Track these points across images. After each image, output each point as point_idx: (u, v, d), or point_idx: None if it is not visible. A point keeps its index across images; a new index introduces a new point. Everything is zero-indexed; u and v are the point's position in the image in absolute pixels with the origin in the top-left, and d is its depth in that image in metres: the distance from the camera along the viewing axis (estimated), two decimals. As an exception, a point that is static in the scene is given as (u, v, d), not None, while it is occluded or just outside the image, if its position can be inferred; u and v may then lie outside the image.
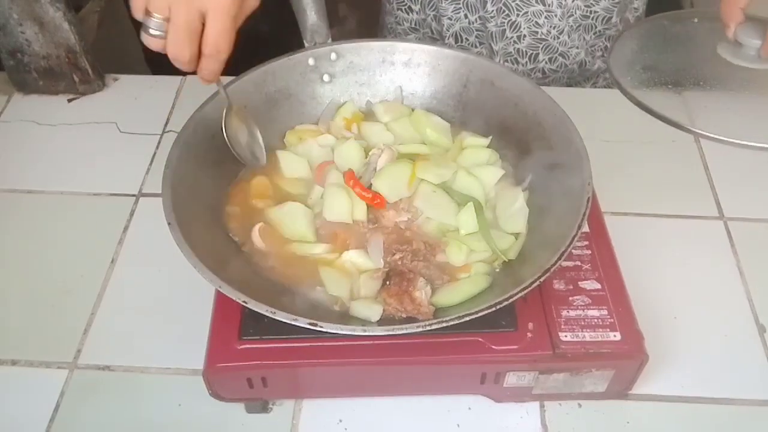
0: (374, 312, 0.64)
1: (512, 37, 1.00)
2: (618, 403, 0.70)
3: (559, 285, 0.68)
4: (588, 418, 0.69)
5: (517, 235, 0.71)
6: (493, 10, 0.98)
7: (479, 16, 1.00)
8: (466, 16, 1.02)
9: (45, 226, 0.86)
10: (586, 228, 0.72)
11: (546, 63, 1.03)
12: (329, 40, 0.80)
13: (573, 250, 0.64)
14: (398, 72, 0.82)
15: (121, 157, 0.94)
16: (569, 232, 0.62)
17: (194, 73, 0.61)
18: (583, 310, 0.66)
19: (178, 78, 1.05)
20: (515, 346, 0.64)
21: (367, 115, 0.82)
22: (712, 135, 0.61)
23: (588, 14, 0.99)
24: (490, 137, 0.78)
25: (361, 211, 0.71)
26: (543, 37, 1.00)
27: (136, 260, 0.82)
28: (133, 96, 1.03)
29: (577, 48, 1.01)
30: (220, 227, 0.70)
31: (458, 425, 0.69)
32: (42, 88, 1.03)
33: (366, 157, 0.75)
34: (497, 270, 0.69)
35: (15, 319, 0.77)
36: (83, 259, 0.82)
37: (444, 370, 0.67)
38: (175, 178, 0.67)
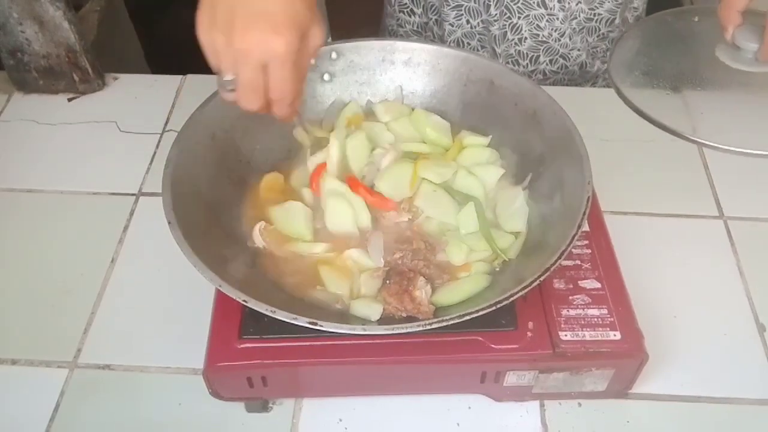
0: (374, 311, 0.64)
1: (513, 40, 1.00)
2: (618, 402, 0.70)
3: (559, 284, 0.68)
4: (588, 418, 0.69)
5: (517, 234, 0.71)
6: (496, 14, 0.98)
7: (482, 20, 1.01)
8: (468, 22, 1.02)
9: (45, 225, 0.86)
10: (586, 227, 0.72)
11: (547, 65, 1.03)
12: (329, 39, 0.80)
13: (573, 250, 0.64)
14: (398, 71, 0.82)
15: (121, 156, 0.94)
16: (569, 232, 0.62)
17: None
18: (583, 309, 0.66)
19: (178, 77, 1.05)
20: (515, 345, 0.64)
21: (368, 114, 0.82)
22: (711, 143, 0.61)
23: (592, 17, 0.99)
24: (490, 136, 0.78)
25: (365, 218, 0.71)
26: (544, 39, 1.00)
27: (136, 259, 0.82)
28: (133, 95, 1.03)
29: (579, 50, 1.01)
30: (220, 227, 0.70)
31: (458, 424, 0.69)
32: (42, 88, 1.03)
33: (371, 154, 0.76)
34: (497, 269, 0.69)
35: (15, 319, 0.77)
36: (83, 258, 0.82)
37: (444, 369, 0.67)
38: (175, 177, 0.67)
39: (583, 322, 0.65)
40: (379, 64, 0.82)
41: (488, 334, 0.64)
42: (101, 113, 1.00)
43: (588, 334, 0.64)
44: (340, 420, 0.69)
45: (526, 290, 0.59)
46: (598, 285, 0.68)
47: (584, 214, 0.64)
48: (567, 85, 1.08)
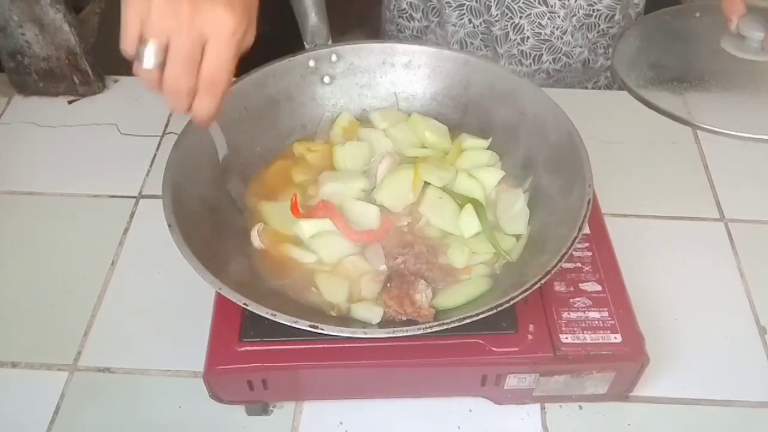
0: (375, 314, 0.64)
1: (516, 39, 1.00)
2: (619, 405, 0.70)
3: (559, 287, 0.68)
4: (589, 420, 0.69)
5: (518, 237, 0.71)
6: (497, 14, 0.98)
7: (483, 20, 1.01)
8: (470, 21, 1.02)
9: (45, 227, 0.86)
10: (586, 230, 0.72)
11: (550, 63, 1.03)
12: (330, 42, 0.80)
13: (574, 252, 0.64)
14: (399, 74, 0.82)
15: (122, 158, 0.94)
16: (570, 234, 0.62)
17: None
18: (584, 311, 0.66)
19: (179, 79, 1.05)
20: (516, 348, 0.64)
21: (364, 122, 0.82)
22: (720, 130, 0.61)
23: (591, 13, 0.99)
24: (490, 139, 0.78)
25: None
26: (546, 37, 1.00)
27: (137, 262, 0.82)
28: (133, 98, 1.03)
29: (581, 47, 1.01)
30: (220, 229, 0.70)
31: (459, 427, 0.69)
32: (42, 90, 1.03)
33: (371, 159, 0.76)
34: (498, 272, 0.69)
35: (15, 321, 0.77)
36: (83, 260, 0.82)
37: (445, 372, 0.67)
38: (175, 180, 0.67)
39: (583, 325, 0.65)
40: (380, 66, 0.82)
41: (489, 337, 0.64)
42: (101, 116, 1.00)
43: (589, 337, 0.64)
44: (341, 423, 0.69)
45: (526, 293, 0.59)
46: (598, 287, 0.68)
47: (585, 216, 0.64)
48: (571, 83, 1.08)
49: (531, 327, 0.65)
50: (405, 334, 0.58)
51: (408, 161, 0.76)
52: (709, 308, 0.77)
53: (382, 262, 0.68)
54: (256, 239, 0.70)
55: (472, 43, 1.04)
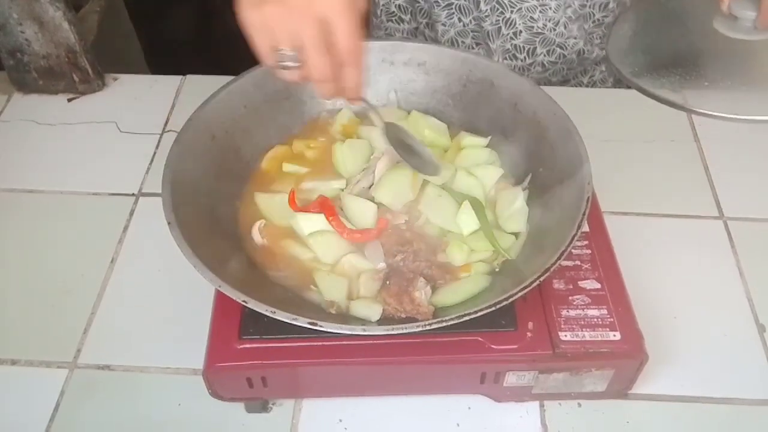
0: (374, 312, 0.64)
1: (508, 34, 1.00)
2: (618, 402, 0.70)
3: (558, 284, 0.68)
4: (588, 418, 0.69)
5: (517, 235, 0.71)
6: (486, 9, 0.98)
7: (473, 17, 1.00)
8: (460, 20, 1.01)
9: (45, 225, 0.86)
10: (585, 227, 0.72)
11: (544, 56, 1.02)
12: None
13: (573, 250, 0.64)
14: (398, 72, 0.82)
15: (121, 156, 0.94)
16: (569, 232, 0.62)
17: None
18: (583, 309, 0.66)
19: (178, 78, 1.05)
20: (515, 346, 0.64)
21: (364, 120, 0.82)
22: (714, 114, 0.61)
23: (585, 3, 0.98)
24: (489, 137, 0.78)
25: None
26: (539, 30, 0.99)
27: (136, 260, 0.82)
28: (133, 96, 1.03)
29: (575, 38, 1.01)
30: (220, 227, 0.70)
31: (458, 425, 0.69)
32: (42, 88, 1.03)
33: (370, 156, 0.76)
34: (497, 269, 0.69)
35: (15, 319, 0.77)
36: (83, 258, 0.82)
37: (444, 370, 0.67)
38: (175, 177, 0.67)
39: (582, 323, 0.65)
40: (379, 64, 0.82)
41: (488, 334, 0.64)
42: (101, 114, 1.00)
43: (588, 335, 0.64)
44: (340, 420, 0.69)
45: (525, 291, 0.59)
46: (597, 285, 0.68)
47: (584, 214, 0.64)
48: (566, 75, 1.07)
49: (530, 324, 0.65)
50: (404, 331, 0.58)
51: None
52: (708, 306, 0.77)
53: (380, 259, 0.68)
54: (257, 235, 0.70)
55: (463, 42, 1.04)
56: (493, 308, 0.58)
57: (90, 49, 1.01)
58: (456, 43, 1.04)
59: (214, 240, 0.67)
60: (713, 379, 0.72)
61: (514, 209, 0.72)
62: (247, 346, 0.63)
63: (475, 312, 0.58)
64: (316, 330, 0.57)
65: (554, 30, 0.99)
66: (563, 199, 0.68)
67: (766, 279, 0.80)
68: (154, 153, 0.95)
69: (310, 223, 0.70)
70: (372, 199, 0.72)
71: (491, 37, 1.00)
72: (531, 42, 1.01)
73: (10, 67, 1.01)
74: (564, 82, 1.09)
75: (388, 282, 0.66)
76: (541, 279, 0.60)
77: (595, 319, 0.65)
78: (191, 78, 1.04)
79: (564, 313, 0.66)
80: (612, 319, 0.65)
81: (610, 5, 1.00)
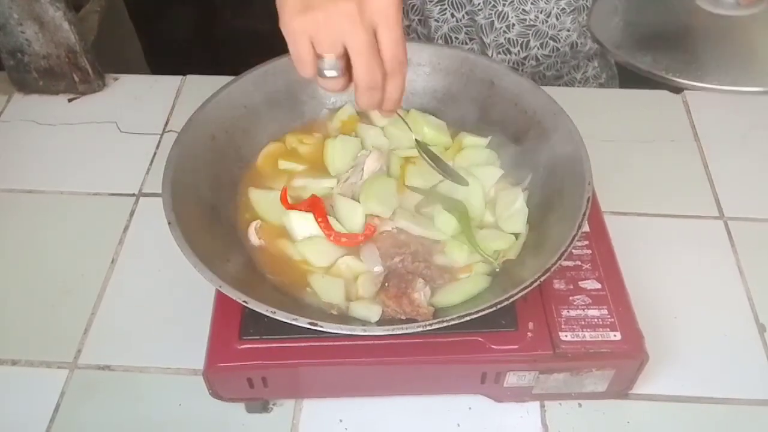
0: (373, 313, 0.64)
1: (501, 28, 1.00)
2: (618, 402, 0.70)
3: (559, 285, 0.68)
4: (588, 418, 0.69)
5: (517, 235, 0.71)
6: (479, 3, 0.98)
7: (466, 12, 1.00)
8: (453, 15, 1.01)
9: (45, 225, 0.86)
10: (586, 228, 0.72)
11: (538, 49, 1.02)
12: None
13: (573, 250, 0.64)
14: (398, 71, 0.82)
15: (121, 156, 0.94)
16: (569, 232, 0.62)
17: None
18: (584, 309, 0.66)
19: (179, 78, 1.05)
20: (515, 346, 0.64)
21: (363, 117, 0.82)
22: (698, 85, 0.61)
23: None
24: (489, 137, 0.78)
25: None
26: (532, 23, 0.99)
27: (137, 260, 0.82)
28: (133, 96, 1.03)
29: (568, 30, 1.01)
30: (220, 227, 0.70)
31: (458, 425, 0.69)
32: (42, 88, 1.03)
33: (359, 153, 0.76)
34: (497, 270, 0.69)
35: (15, 319, 0.77)
36: (83, 258, 0.82)
37: (444, 370, 0.67)
38: (175, 177, 0.67)
39: (583, 323, 0.65)
40: (380, 64, 0.82)
41: (488, 334, 0.64)
42: (101, 114, 1.00)
43: (588, 335, 0.64)
44: (341, 420, 0.69)
45: (526, 291, 0.59)
46: (598, 285, 0.68)
47: (584, 214, 0.64)
48: (561, 68, 1.07)
49: (530, 325, 0.65)
50: (404, 331, 0.58)
51: (399, 162, 0.76)
52: (708, 306, 0.77)
53: (377, 263, 0.68)
54: (253, 236, 0.70)
55: (456, 38, 1.04)
56: (494, 308, 0.58)
57: (90, 49, 1.01)
58: (449, 39, 1.04)
59: (214, 240, 0.67)
60: (714, 379, 0.72)
61: (514, 210, 0.72)
62: (248, 346, 0.63)
63: (476, 312, 0.58)
64: (316, 330, 0.57)
65: (546, 22, 0.99)
66: (563, 200, 0.68)
67: (766, 279, 0.80)
68: (155, 153, 0.95)
69: (302, 221, 0.70)
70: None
71: (485, 31, 1.00)
72: (524, 35, 1.00)
73: (11, 67, 1.01)
74: (558, 78, 1.09)
75: (386, 284, 0.66)
76: (542, 279, 0.60)
77: (596, 320, 0.65)
78: (191, 78, 1.04)
79: (564, 313, 0.66)
80: (612, 320, 0.65)
81: None
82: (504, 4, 0.98)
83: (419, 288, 0.65)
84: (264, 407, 0.70)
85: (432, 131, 0.79)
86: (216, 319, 0.65)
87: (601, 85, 1.13)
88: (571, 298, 0.67)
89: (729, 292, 0.79)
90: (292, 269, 0.69)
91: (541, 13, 0.99)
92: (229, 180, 0.75)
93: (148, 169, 0.93)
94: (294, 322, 0.57)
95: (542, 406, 0.70)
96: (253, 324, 0.64)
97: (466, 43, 1.04)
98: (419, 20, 1.06)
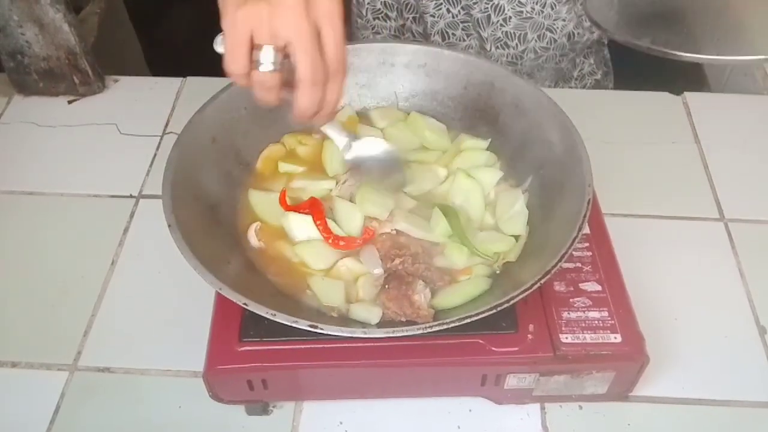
0: (373, 315, 0.64)
1: (498, 21, 1.00)
2: (619, 405, 0.70)
3: (559, 287, 0.68)
4: (589, 420, 0.69)
5: (517, 237, 0.71)
6: None
7: (462, 7, 1.00)
8: (448, 11, 1.01)
9: (45, 227, 0.86)
10: (586, 230, 0.72)
11: (536, 41, 1.02)
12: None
13: (573, 252, 0.64)
14: (398, 74, 0.82)
15: (121, 158, 0.94)
16: (570, 234, 0.62)
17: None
18: (584, 311, 0.66)
19: (179, 79, 1.05)
20: (516, 348, 0.64)
21: (363, 119, 0.82)
22: (697, 56, 0.61)
23: None
24: (489, 139, 0.78)
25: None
26: (528, 15, 0.99)
27: (137, 262, 0.82)
28: (133, 97, 1.03)
29: (564, 20, 1.00)
30: (220, 229, 0.70)
31: (459, 427, 0.69)
32: (42, 90, 1.03)
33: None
34: (498, 272, 0.69)
35: (15, 321, 0.77)
36: (83, 260, 0.82)
37: (444, 372, 0.67)
38: (175, 179, 0.67)
39: (583, 325, 0.65)
40: (380, 66, 0.82)
41: (489, 336, 0.64)
42: (101, 115, 1.00)
43: (589, 337, 0.64)
44: (341, 423, 0.69)
45: (526, 293, 0.59)
46: (598, 287, 0.68)
47: (585, 216, 0.64)
48: (560, 61, 1.07)
49: (531, 327, 0.65)
50: (404, 333, 0.58)
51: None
52: (709, 308, 0.77)
53: (377, 265, 0.68)
54: (253, 237, 0.70)
55: (453, 34, 1.03)
56: (494, 311, 0.58)
57: (90, 51, 1.01)
58: (446, 36, 1.04)
59: (214, 242, 0.67)
60: (714, 381, 0.72)
61: (514, 212, 0.72)
62: (248, 348, 0.63)
63: (476, 314, 0.58)
64: (316, 333, 0.57)
65: (542, 12, 0.99)
66: (564, 201, 0.68)
67: (766, 281, 0.80)
68: (155, 155, 0.95)
69: (301, 223, 0.70)
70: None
71: (481, 26, 1.00)
72: (521, 27, 1.00)
73: (11, 69, 1.01)
74: (556, 71, 1.08)
75: (386, 286, 0.66)
76: (542, 281, 0.60)
77: (596, 321, 0.65)
78: (192, 80, 1.04)
79: (565, 315, 0.66)
80: (613, 321, 0.65)
81: None
82: None
83: (419, 290, 0.65)
84: (264, 409, 0.70)
85: (432, 134, 0.79)
86: (216, 322, 0.65)
87: (597, 81, 1.13)
88: (571, 300, 0.67)
89: (729, 293, 0.79)
90: (292, 271, 0.69)
91: (536, 4, 0.98)
92: (229, 182, 0.75)
93: (148, 171, 0.93)
94: (294, 325, 0.57)
95: (542, 408, 0.70)
96: (253, 326, 0.64)
97: (464, 39, 1.04)
98: (414, 18, 1.05)
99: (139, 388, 0.71)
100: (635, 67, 1.12)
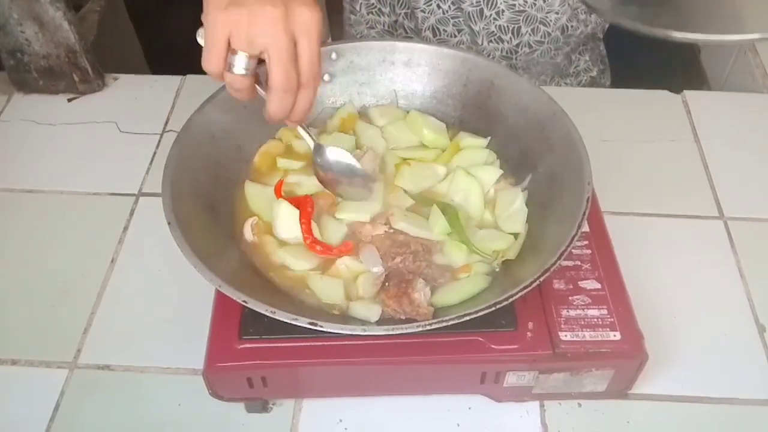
0: (373, 312, 0.64)
1: (491, 15, 0.99)
2: (618, 402, 0.70)
3: (559, 284, 0.68)
4: (588, 418, 0.69)
5: (516, 235, 0.71)
6: None
7: (452, 2, 1.00)
8: (439, 6, 1.01)
9: (45, 225, 0.86)
10: (586, 228, 0.72)
11: (529, 35, 1.01)
12: (329, 40, 0.80)
13: (573, 250, 0.64)
14: (398, 72, 0.82)
15: (121, 156, 0.94)
16: (569, 232, 0.62)
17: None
18: (583, 309, 0.66)
19: (178, 78, 1.05)
20: (515, 346, 0.64)
21: (363, 116, 0.82)
22: (691, 36, 0.61)
23: None
24: (489, 138, 0.78)
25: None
26: (521, 8, 0.98)
27: (136, 260, 0.82)
28: (133, 95, 1.03)
29: (557, 13, 1.00)
30: (220, 227, 0.70)
31: (458, 425, 0.69)
32: (42, 88, 1.03)
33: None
34: (497, 269, 0.69)
35: (15, 319, 0.77)
36: (83, 258, 0.82)
37: (444, 370, 0.67)
38: (175, 177, 0.67)
39: (583, 323, 0.65)
40: (379, 64, 0.82)
41: (488, 334, 0.64)
42: (101, 113, 1.00)
43: (588, 335, 0.64)
44: (340, 420, 0.69)
45: (526, 291, 0.59)
46: (598, 285, 0.68)
47: (584, 214, 0.64)
48: (555, 55, 1.07)
49: (530, 324, 0.65)
50: (404, 331, 0.58)
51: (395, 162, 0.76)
52: (708, 306, 0.77)
53: (376, 263, 0.68)
54: (248, 232, 0.70)
55: (444, 30, 1.03)
56: (494, 308, 0.58)
57: (90, 49, 1.01)
58: (437, 32, 1.03)
59: (214, 240, 0.67)
60: (713, 380, 0.72)
61: (514, 210, 0.72)
62: (248, 346, 0.63)
63: (476, 312, 0.58)
64: (316, 330, 0.57)
65: (535, 5, 0.98)
66: (563, 199, 0.68)
67: (766, 279, 0.80)
68: (155, 153, 0.95)
69: (289, 216, 0.70)
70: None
71: (473, 19, 0.99)
72: (515, 21, 1.00)
73: (11, 67, 1.01)
74: (553, 66, 1.08)
75: (386, 284, 0.66)
76: (541, 279, 0.60)
77: (595, 319, 0.65)
78: (191, 78, 1.04)
79: (564, 313, 0.66)
80: (612, 319, 0.65)
81: None
82: None
83: (419, 288, 0.65)
84: (264, 407, 0.70)
85: (431, 132, 0.79)
86: (216, 319, 0.65)
87: (593, 78, 1.13)
88: (570, 298, 0.67)
89: (729, 292, 0.79)
90: (287, 270, 0.69)
91: None
92: (228, 179, 0.75)
93: (148, 169, 0.93)
94: (294, 322, 0.57)
95: (542, 406, 0.70)
96: (253, 324, 0.64)
97: (455, 35, 1.03)
98: (405, 14, 1.05)
99: (139, 385, 0.72)
100: (633, 64, 1.12)
